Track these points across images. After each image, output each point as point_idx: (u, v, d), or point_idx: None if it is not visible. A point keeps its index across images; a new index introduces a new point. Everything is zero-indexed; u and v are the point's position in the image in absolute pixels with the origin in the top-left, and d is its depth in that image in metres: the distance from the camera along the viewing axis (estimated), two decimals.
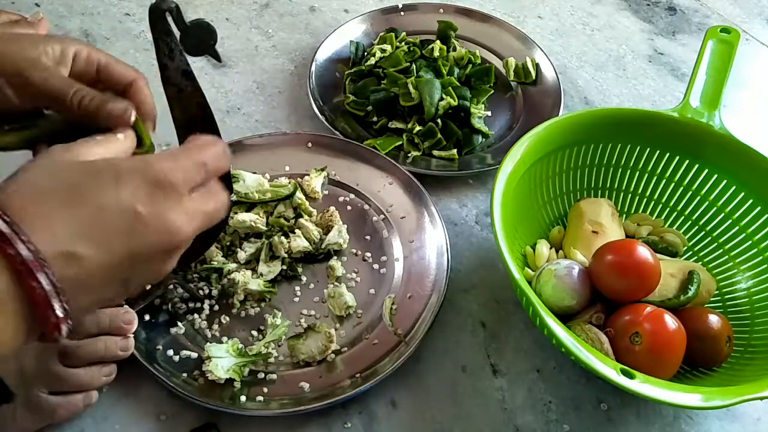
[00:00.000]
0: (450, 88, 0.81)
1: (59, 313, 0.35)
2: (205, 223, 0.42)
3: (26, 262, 0.34)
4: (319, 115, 0.80)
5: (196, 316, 0.63)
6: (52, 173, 0.38)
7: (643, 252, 0.60)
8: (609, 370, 0.50)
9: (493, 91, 0.87)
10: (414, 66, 0.85)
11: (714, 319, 0.61)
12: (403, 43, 0.89)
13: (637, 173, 0.73)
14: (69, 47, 0.47)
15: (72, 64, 0.47)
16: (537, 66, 0.89)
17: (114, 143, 0.44)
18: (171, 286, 0.64)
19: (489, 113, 0.84)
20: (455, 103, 0.80)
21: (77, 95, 0.45)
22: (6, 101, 0.45)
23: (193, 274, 0.66)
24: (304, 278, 0.68)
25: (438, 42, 0.90)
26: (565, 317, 0.61)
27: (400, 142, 0.79)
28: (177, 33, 0.49)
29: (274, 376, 0.60)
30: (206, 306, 0.64)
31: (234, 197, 0.56)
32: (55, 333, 0.35)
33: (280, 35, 0.95)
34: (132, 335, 0.58)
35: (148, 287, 0.61)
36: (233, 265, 0.66)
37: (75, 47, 0.47)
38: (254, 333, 0.63)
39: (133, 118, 0.46)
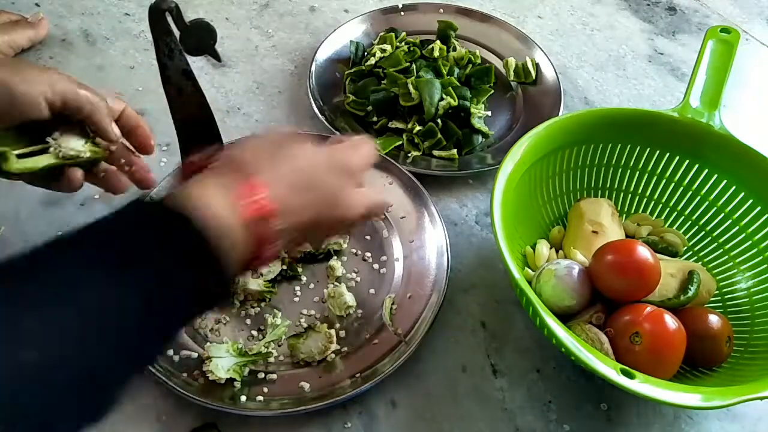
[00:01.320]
0: (450, 88, 0.81)
1: (276, 248, 0.47)
2: (369, 212, 0.54)
3: (267, 206, 0.45)
4: (319, 115, 0.80)
5: None
6: (271, 147, 0.49)
7: (643, 252, 0.60)
8: (609, 370, 0.50)
9: (493, 91, 0.87)
10: (414, 66, 0.85)
11: (714, 319, 0.61)
12: (403, 43, 0.89)
13: (637, 173, 0.73)
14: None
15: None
16: (537, 66, 0.89)
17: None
18: None
19: (489, 113, 0.84)
20: (455, 103, 0.80)
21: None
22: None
23: None
24: (304, 278, 0.68)
25: (438, 42, 0.90)
26: (565, 317, 0.61)
27: (400, 142, 0.79)
28: (177, 33, 0.49)
29: (274, 376, 0.60)
30: None
31: None
32: (263, 265, 0.48)
33: (280, 35, 0.95)
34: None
35: None
36: None
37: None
38: (254, 333, 0.63)
39: None
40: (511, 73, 0.89)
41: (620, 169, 0.73)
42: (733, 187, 0.68)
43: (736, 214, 0.68)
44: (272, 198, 0.45)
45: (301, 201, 0.48)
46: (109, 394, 0.39)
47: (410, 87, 0.80)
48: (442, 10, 0.96)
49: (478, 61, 0.90)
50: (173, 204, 0.42)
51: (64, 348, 0.35)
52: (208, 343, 0.60)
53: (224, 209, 0.43)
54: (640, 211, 0.74)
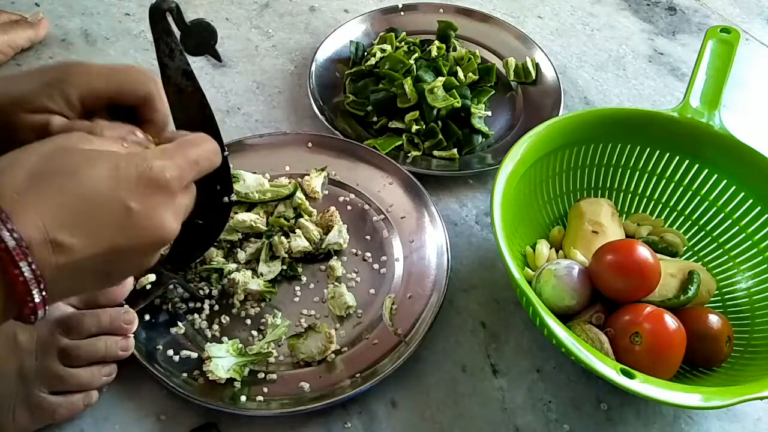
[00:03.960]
0: (453, 90, 0.81)
1: (37, 299, 0.36)
2: (185, 217, 0.43)
3: (9, 250, 0.34)
4: (319, 115, 0.80)
5: (196, 316, 0.63)
6: (49, 157, 0.38)
7: (643, 252, 0.60)
8: (609, 370, 0.50)
9: (493, 91, 0.87)
10: (414, 66, 0.85)
11: (714, 319, 0.61)
12: (403, 43, 0.89)
13: (637, 173, 0.73)
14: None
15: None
16: (537, 66, 0.89)
17: (134, 144, 0.44)
18: (171, 286, 0.64)
19: (489, 113, 0.84)
20: (459, 105, 0.80)
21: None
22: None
23: (194, 274, 0.66)
24: (304, 278, 0.68)
25: (437, 42, 0.90)
26: (565, 317, 0.61)
27: (400, 142, 0.79)
28: (177, 33, 0.49)
29: (274, 376, 0.60)
30: (206, 306, 0.64)
31: (234, 197, 0.56)
32: (31, 317, 0.36)
33: (280, 35, 0.95)
34: (132, 335, 0.58)
35: (148, 287, 0.61)
36: (233, 265, 0.66)
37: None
38: (254, 333, 0.63)
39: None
40: (511, 73, 0.90)
41: (620, 169, 0.73)
42: (733, 187, 0.68)
43: (736, 214, 0.68)
44: (29, 233, 0.35)
45: (83, 233, 0.37)
46: None
47: (406, 87, 0.80)
48: (442, 10, 0.96)
49: (478, 61, 0.90)
50: None
51: None
52: (208, 343, 0.60)
53: None
54: (640, 211, 0.74)
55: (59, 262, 0.36)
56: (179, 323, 0.62)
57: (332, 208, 0.71)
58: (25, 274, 0.35)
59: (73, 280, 0.38)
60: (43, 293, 0.36)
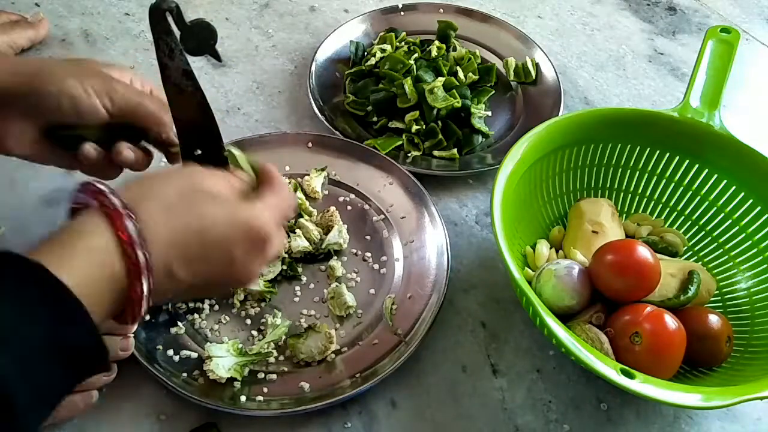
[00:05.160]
0: (453, 90, 0.81)
1: (143, 311, 0.42)
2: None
3: (140, 265, 0.40)
4: (319, 115, 0.80)
5: (196, 316, 0.63)
6: (183, 195, 0.44)
7: (643, 252, 0.60)
8: (609, 370, 0.50)
9: (493, 91, 0.87)
10: (414, 66, 0.85)
11: (714, 319, 0.61)
12: (403, 43, 0.89)
13: (637, 173, 0.73)
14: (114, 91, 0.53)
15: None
16: (537, 66, 0.89)
17: (238, 181, 0.50)
18: None
19: (489, 113, 0.84)
20: (459, 105, 0.80)
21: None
22: (96, 113, 0.52)
23: None
24: (304, 278, 0.68)
25: (437, 42, 0.90)
26: (565, 317, 0.61)
27: (400, 142, 0.79)
28: (177, 33, 0.49)
29: (274, 376, 0.60)
30: (206, 306, 0.64)
31: None
32: (129, 323, 0.42)
33: (280, 35, 0.95)
34: (132, 335, 0.58)
35: None
36: None
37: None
38: (254, 333, 0.63)
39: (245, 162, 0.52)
40: (511, 73, 0.89)
41: (620, 169, 0.73)
42: (733, 187, 0.68)
43: (736, 214, 0.68)
44: (155, 258, 0.41)
45: (191, 269, 0.43)
46: None
47: (406, 87, 0.80)
48: (442, 10, 0.96)
49: (478, 61, 0.90)
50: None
51: None
52: (208, 343, 0.60)
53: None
54: (640, 211, 0.74)
55: (166, 288, 0.43)
56: (179, 323, 0.62)
57: (332, 208, 0.71)
58: (144, 289, 0.40)
59: (167, 298, 0.46)
60: (148, 307, 0.42)
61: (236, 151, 0.53)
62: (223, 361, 0.58)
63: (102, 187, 0.41)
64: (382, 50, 0.87)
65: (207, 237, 0.43)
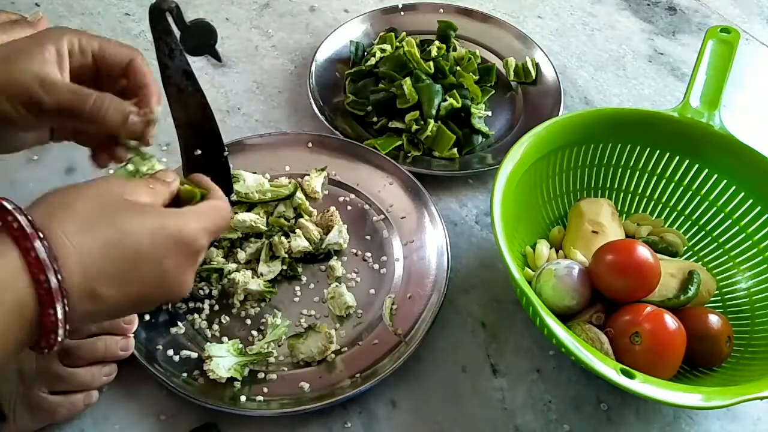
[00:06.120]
0: (454, 90, 0.81)
1: (59, 338, 0.37)
2: None
3: (51, 290, 0.35)
4: (319, 115, 0.80)
5: (196, 316, 0.63)
6: (101, 207, 0.40)
7: (643, 252, 0.60)
8: (609, 370, 0.50)
9: (493, 91, 0.87)
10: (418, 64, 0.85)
11: (714, 319, 0.61)
12: (403, 43, 0.89)
13: (637, 173, 0.73)
14: (62, 44, 0.46)
15: (69, 60, 0.46)
16: (537, 66, 0.89)
17: (163, 187, 0.45)
18: None
19: (489, 113, 0.84)
20: (458, 105, 0.80)
21: (94, 107, 0.45)
22: (25, 120, 0.45)
23: None
24: (304, 278, 0.68)
25: (436, 42, 0.90)
26: (565, 317, 0.61)
27: (400, 142, 0.79)
28: (177, 33, 0.49)
29: (274, 376, 0.60)
30: (206, 306, 0.64)
31: (234, 197, 0.56)
32: (45, 350, 0.38)
33: (280, 35, 0.95)
34: (132, 335, 0.58)
35: None
36: (233, 265, 0.66)
37: (67, 41, 0.46)
38: (254, 333, 0.63)
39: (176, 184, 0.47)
40: (511, 73, 0.89)
41: (620, 169, 0.73)
42: (733, 187, 0.68)
43: (736, 214, 0.68)
44: (72, 280, 0.36)
45: (119, 287, 0.39)
46: None
47: (405, 88, 0.80)
48: (442, 10, 0.96)
49: (478, 61, 0.90)
50: None
51: None
52: (208, 343, 0.60)
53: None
54: (640, 211, 0.74)
55: (89, 309, 0.38)
56: (179, 323, 0.62)
57: (332, 208, 0.71)
58: (58, 315, 0.36)
59: (94, 319, 0.41)
60: (66, 333, 0.37)
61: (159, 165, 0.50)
62: (223, 361, 0.58)
63: (7, 205, 0.37)
64: (382, 50, 0.87)
65: (133, 251, 0.39)
